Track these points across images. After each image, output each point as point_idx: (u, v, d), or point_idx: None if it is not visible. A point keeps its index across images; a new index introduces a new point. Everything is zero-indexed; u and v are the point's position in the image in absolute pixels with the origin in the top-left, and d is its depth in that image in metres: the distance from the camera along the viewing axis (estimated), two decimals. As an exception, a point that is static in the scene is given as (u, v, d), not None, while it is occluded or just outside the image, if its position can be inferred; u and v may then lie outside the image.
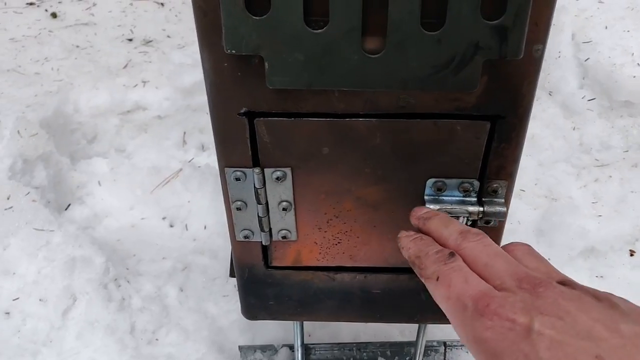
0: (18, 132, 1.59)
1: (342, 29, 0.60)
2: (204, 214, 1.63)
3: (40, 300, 1.31)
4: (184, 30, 2.42)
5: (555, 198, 1.75)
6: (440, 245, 0.60)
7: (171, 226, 1.65)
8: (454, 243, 0.59)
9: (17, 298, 1.32)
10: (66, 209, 1.69)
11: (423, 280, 0.58)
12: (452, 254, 0.56)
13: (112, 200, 1.73)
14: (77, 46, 2.28)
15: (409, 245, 0.64)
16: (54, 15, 2.47)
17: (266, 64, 0.62)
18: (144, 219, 1.67)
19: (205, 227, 1.63)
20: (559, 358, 0.41)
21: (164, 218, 1.67)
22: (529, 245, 0.57)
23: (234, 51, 0.61)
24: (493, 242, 0.56)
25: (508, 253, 0.55)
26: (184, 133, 1.97)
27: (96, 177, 1.78)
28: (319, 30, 0.60)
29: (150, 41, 2.33)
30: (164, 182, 1.70)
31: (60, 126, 1.86)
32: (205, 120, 1.98)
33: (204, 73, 0.68)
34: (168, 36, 2.37)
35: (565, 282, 0.49)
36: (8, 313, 1.30)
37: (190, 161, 1.79)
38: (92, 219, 1.66)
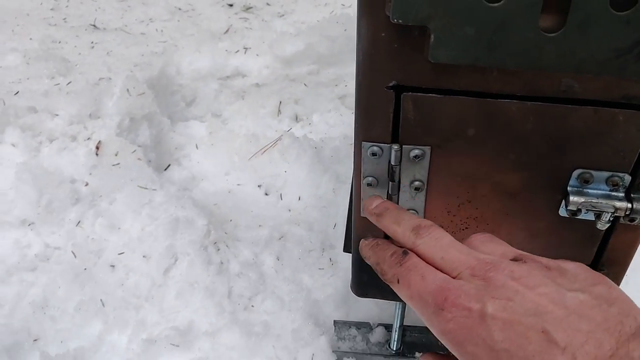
0: (127, 90, 1.63)
1: (521, 3, 0.55)
2: (300, 185, 1.62)
3: (143, 256, 1.34)
4: (282, -2, 2.41)
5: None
6: (397, 242, 0.60)
7: (266, 194, 1.66)
8: (408, 241, 0.57)
9: (122, 252, 1.36)
10: (166, 169, 1.72)
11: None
12: (405, 253, 0.56)
13: (208, 164, 1.75)
14: (180, 9, 2.31)
15: (368, 254, 0.63)
16: (158, -23, 2.51)
17: (432, 37, 0.59)
18: (240, 185, 1.68)
19: (299, 198, 1.62)
20: (511, 338, 0.44)
21: (259, 186, 1.68)
22: (490, 234, 0.59)
23: (400, 21, 0.58)
24: (446, 233, 0.56)
25: (466, 244, 0.56)
26: (280, 103, 1.96)
27: (194, 140, 1.81)
28: (496, 4, 0.56)
29: (250, 8, 2.34)
30: (262, 150, 1.70)
31: (162, 87, 1.89)
32: (301, 91, 1.98)
33: (358, 42, 0.66)
34: (268, 4, 2.36)
35: (517, 258, 0.52)
36: (113, 266, 1.34)
37: (288, 131, 1.79)
38: (190, 181, 1.69)
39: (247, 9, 2.32)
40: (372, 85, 0.69)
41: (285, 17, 2.24)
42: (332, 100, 1.93)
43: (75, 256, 1.37)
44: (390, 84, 0.68)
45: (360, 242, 0.66)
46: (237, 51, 2.02)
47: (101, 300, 1.28)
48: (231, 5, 2.35)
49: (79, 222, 1.42)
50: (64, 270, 1.33)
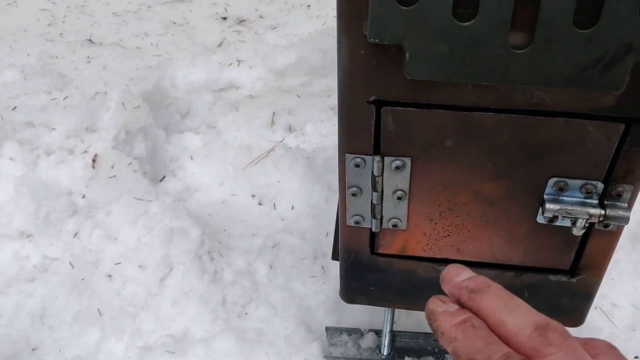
0: (123, 104, 1.66)
1: (490, 22, 0.59)
2: (293, 194, 1.66)
3: (139, 266, 1.37)
4: (275, 11, 2.45)
5: (654, 204, 1.68)
6: (502, 338, 0.44)
7: (260, 204, 1.69)
8: (528, 344, 0.42)
9: (119, 263, 1.38)
10: (161, 181, 1.75)
11: None
12: None
13: (203, 175, 1.78)
14: (174, 22, 2.35)
15: (452, 332, 0.45)
16: (153, -9, 2.55)
17: (407, 54, 0.63)
18: (234, 196, 1.71)
19: (293, 208, 1.65)
20: None
21: (253, 196, 1.71)
22: (613, 346, 0.46)
23: (377, 40, 0.62)
24: (577, 343, 0.43)
25: (592, 358, 0.43)
26: (273, 113, 2.00)
27: (188, 152, 1.84)
28: (467, 23, 0.59)
29: (244, 20, 2.38)
30: (256, 160, 1.74)
31: (157, 100, 1.93)
32: (294, 102, 2.01)
33: (339, 59, 0.69)
34: (261, 16, 2.40)
35: None
36: (110, 276, 1.37)
37: (281, 141, 1.82)
38: (184, 192, 1.72)
39: (241, 21, 2.36)
40: (353, 100, 0.73)
41: (277, 30, 2.28)
42: (324, 110, 1.96)
43: (72, 267, 1.39)
44: (371, 99, 0.72)
45: (432, 300, 0.49)
46: (231, 64, 2.05)
47: (98, 309, 1.31)
48: (225, 18, 2.39)
49: (76, 233, 1.45)
50: (62, 280, 1.36)
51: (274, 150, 1.76)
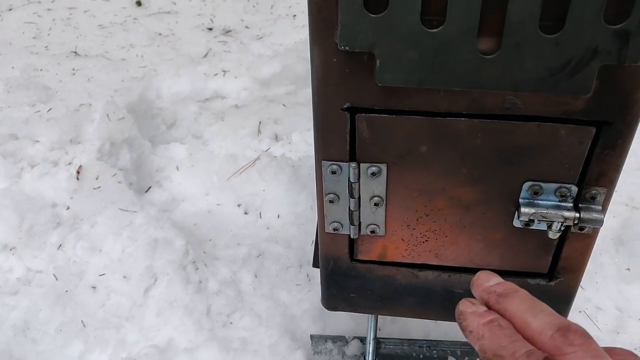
0: (107, 115, 1.66)
1: (458, 28, 0.60)
2: (278, 203, 1.66)
3: (124, 277, 1.37)
4: (261, 21, 2.46)
5: (637, 207, 1.69)
6: (526, 338, 0.47)
7: (245, 213, 1.69)
8: (550, 344, 0.45)
9: (103, 274, 1.38)
10: (146, 192, 1.75)
11: None
12: None
13: (188, 185, 1.78)
14: (160, 34, 2.35)
15: (480, 331, 0.48)
16: (138, 3, 2.56)
17: (377, 62, 0.63)
18: (220, 205, 1.71)
19: (278, 217, 1.66)
20: None
21: (238, 205, 1.71)
22: (635, 355, 0.48)
23: (347, 48, 0.63)
24: (597, 344, 0.45)
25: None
26: (259, 123, 2.00)
27: (174, 162, 1.84)
28: (435, 30, 0.60)
29: (230, 31, 2.39)
30: (241, 170, 1.74)
31: (142, 111, 1.93)
32: (280, 111, 2.02)
33: (312, 67, 0.70)
34: (246, 27, 2.41)
35: None
36: (94, 287, 1.37)
37: (266, 151, 1.83)
38: (170, 202, 1.72)
39: (226, 32, 2.37)
40: (327, 108, 0.73)
41: (263, 40, 2.29)
42: (310, 119, 1.96)
43: (56, 279, 1.39)
44: (345, 106, 0.72)
45: (462, 302, 0.52)
46: (216, 74, 2.06)
47: (82, 321, 1.31)
48: (210, 29, 2.40)
49: (60, 245, 1.45)
50: (45, 293, 1.35)
51: (259, 160, 1.76)
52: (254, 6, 2.56)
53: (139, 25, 2.38)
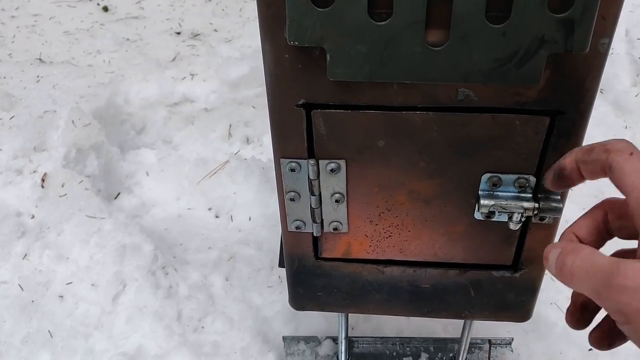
0: (72, 122, 1.64)
1: (405, 21, 0.60)
2: (249, 205, 1.65)
3: (92, 285, 1.35)
4: (230, 24, 2.45)
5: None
6: None
7: (217, 217, 1.68)
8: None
9: (71, 282, 1.36)
10: (116, 198, 1.73)
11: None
12: None
13: (159, 190, 1.76)
14: (128, 39, 2.33)
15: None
16: (105, 8, 2.53)
17: (328, 56, 0.63)
18: (190, 209, 1.70)
19: (250, 219, 1.65)
20: None
21: (209, 209, 1.70)
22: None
23: (296, 43, 0.62)
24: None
25: None
26: (230, 126, 1.99)
27: (144, 168, 1.82)
28: (382, 23, 0.60)
29: (198, 35, 2.37)
30: (211, 173, 1.73)
31: (110, 117, 1.90)
32: (250, 113, 2.01)
33: (264, 65, 0.69)
34: (215, 30, 2.40)
35: None
36: (62, 296, 1.34)
37: (236, 153, 1.82)
38: (140, 208, 1.70)
39: (195, 36, 2.36)
40: (282, 105, 0.73)
41: (232, 42, 2.27)
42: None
43: (22, 289, 1.36)
44: (300, 102, 0.72)
45: (551, 250, 0.55)
46: (184, 78, 2.04)
47: (49, 331, 1.28)
48: (179, 33, 2.38)
49: (25, 255, 1.42)
50: (10, 304, 1.32)
51: (229, 162, 1.75)
52: (222, 9, 2.55)
53: (106, 30, 2.36)
